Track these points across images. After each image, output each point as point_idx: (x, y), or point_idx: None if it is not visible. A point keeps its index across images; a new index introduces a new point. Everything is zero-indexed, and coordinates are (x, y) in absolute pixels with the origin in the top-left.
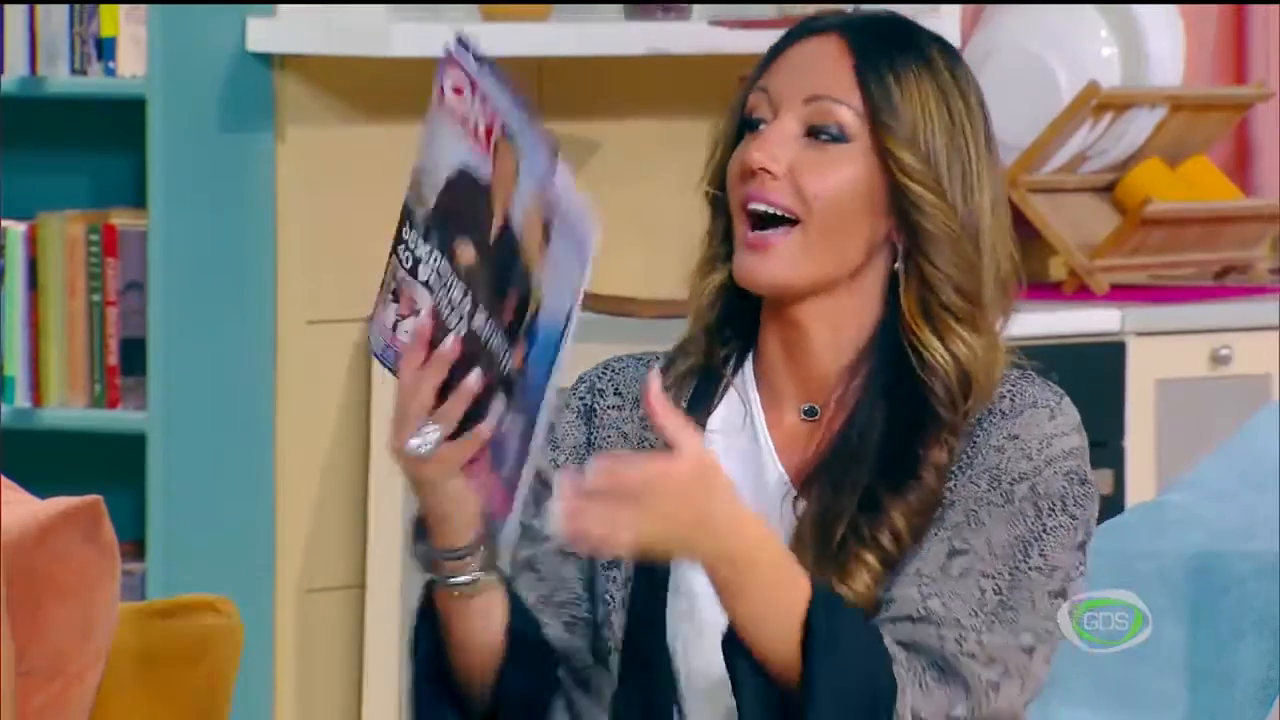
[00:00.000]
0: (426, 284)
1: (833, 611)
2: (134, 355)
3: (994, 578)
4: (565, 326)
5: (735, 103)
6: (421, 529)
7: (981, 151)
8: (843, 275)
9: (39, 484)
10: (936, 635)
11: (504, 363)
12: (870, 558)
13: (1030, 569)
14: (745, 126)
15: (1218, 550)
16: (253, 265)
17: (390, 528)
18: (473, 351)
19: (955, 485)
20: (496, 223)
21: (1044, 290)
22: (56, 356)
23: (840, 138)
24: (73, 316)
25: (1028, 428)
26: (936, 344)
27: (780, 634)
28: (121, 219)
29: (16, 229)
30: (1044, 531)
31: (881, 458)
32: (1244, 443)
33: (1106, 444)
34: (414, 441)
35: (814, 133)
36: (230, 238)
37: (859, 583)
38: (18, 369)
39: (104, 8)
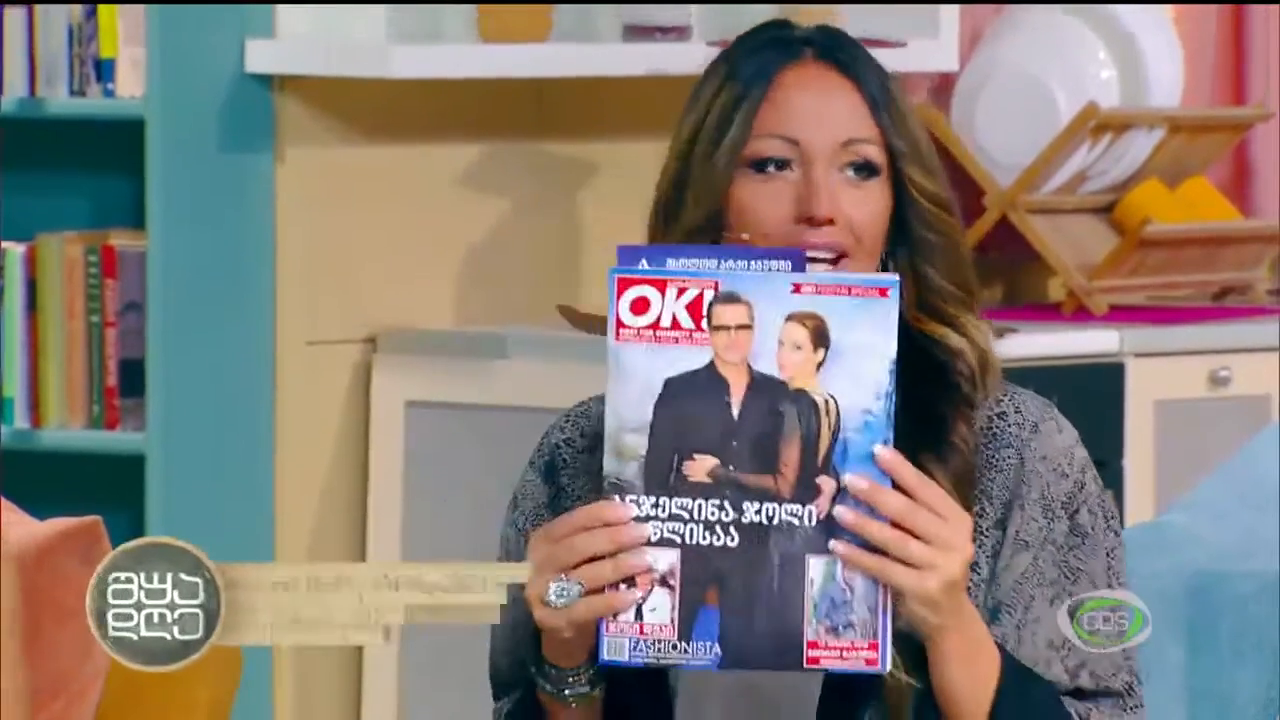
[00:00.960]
0: (663, 539)
1: (1025, 680)
2: (133, 376)
3: None
4: (887, 408)
5: (721, 144)
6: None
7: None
8: None
9: (37, 505)
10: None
11: (805, 524)
12: None
13: None
14: (751, 170)
15: (1217, 571)
16: (252, 286)
17: (388, 548)
18: (760, 547)
19: (1008, 514)
20: (739, 388)
21: (1043, 311)
22: (55, 377)
23: (874, 172)
24: (72, 337)
25: (1047, 443)
26: (948, 331)
27: (976, 696)
28: (120, 240)
29: (15, 250)
30: (1109, 555)
31: (909, 432)
32: (1244, 463)
33: (1106, 464)
34: (554, 588)
35: (846, 169)
36: (229, 258)
37: None
38: (16, 390)
39: (103, 30)
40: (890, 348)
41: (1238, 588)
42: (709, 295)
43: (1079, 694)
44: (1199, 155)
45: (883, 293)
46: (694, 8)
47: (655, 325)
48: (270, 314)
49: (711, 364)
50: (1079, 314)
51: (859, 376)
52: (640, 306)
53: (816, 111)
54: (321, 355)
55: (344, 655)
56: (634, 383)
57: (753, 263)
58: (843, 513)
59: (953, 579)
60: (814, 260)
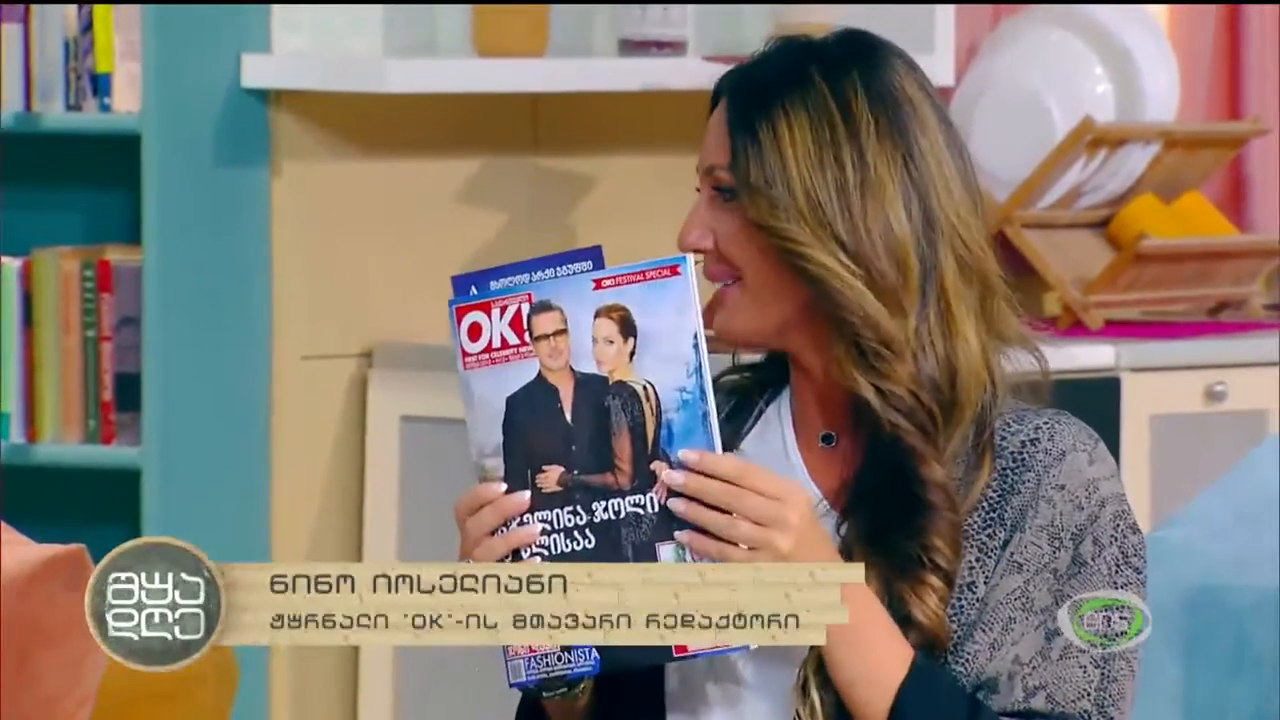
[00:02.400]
0: (533, 554)
1: (930, 680)
2: (129, 391)
3: (1089, 651)
4: (699, 383)
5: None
6: None
7: (874, 158)
8: (795, 313)
9: (33, 521)
10: None
11: (649, 511)
12: (934, 579)
13: None
14: None
15: (1214, 585)
16: (248, 300)
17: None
18: (614, 544)
19: (1013, 536)
20: (567, 392)
21: (1038, 326)
22: (51, 392)
23: (733, 195)
24: (67, 352)
25: (1071, 475)
26: (861, 382)
27: (879, 692)
28: (116, 255)
29: (12, 265)
30: (1117, 590)
31: (900, 482)
32: (1240, 478)
33: None
34: None
35: (722, 196)
36: (225, 273)
37: (930, 604)
38: (12, 405)
39: (100, 45)
40: (691, 322)
41: (1234, 602)
42: (525, 308)
43: (1030, 714)
44: (1195, 170)
45: (674, 271)
46: (690, 23)
47: (489, 348)
48: (266, 328)
49: (540, 374)
50: (1075, 329)
51: (668, 357)
52: (475, 332)
53: (704, 144)
54: (317, 370)
55: (340, 657)
56: (483, 408)
57: (559, 269)
58: (674, 504)
59: (783, 556)
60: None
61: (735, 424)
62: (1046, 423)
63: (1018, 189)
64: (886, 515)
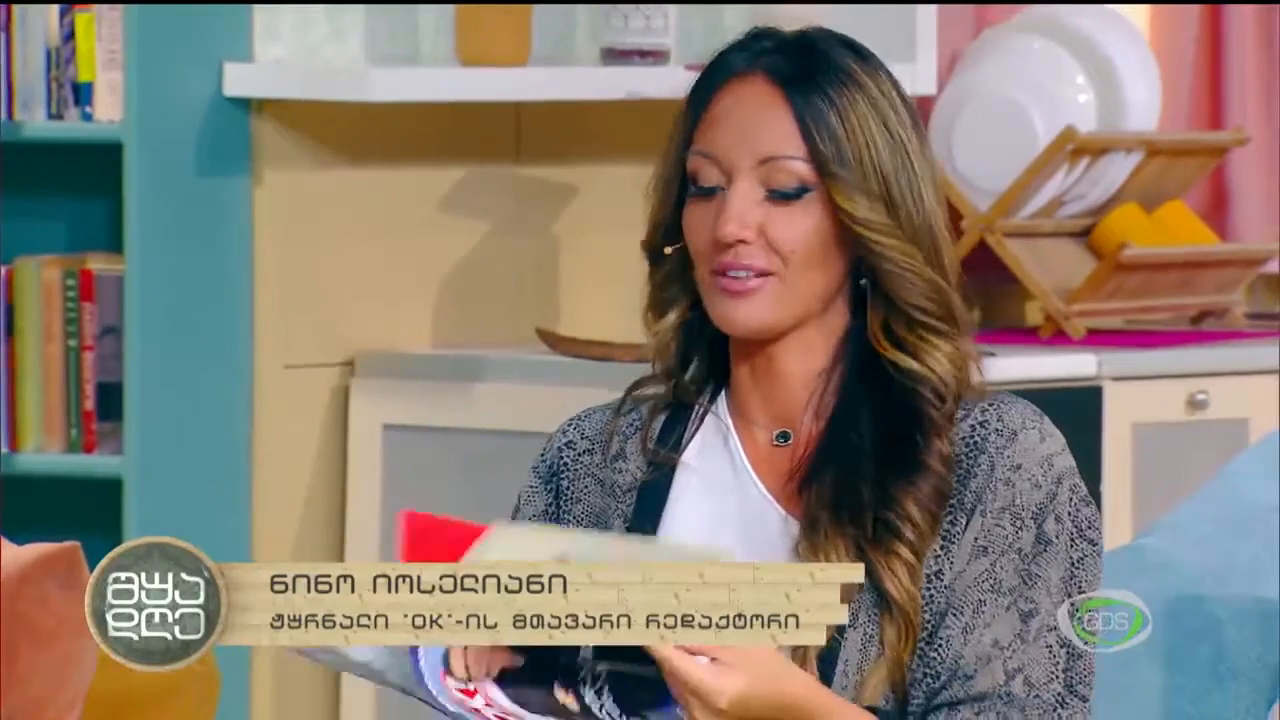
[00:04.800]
0: None
1: None
2: (111, 400)
3: (1056, 629)
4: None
5: (672, 160)
6: None
7: (917, 147)
8: (818, 309)
9: (14, 529)
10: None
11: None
12: (904, 550)
13: None
14: (691, 189)
15: (1195, 594)
16: (230, 310)
17: None
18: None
19: (973, 520)
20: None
21: (1020, 335)
22: (33, 401)
23: (802, 189)
24: (49, 361)
25: (1025, 454)
26: (910, 361)
27: None
28: (98, 264)
29: None
30: (1074, 565)
31: (880, 452)
32: (1221, 487)
33: None
34: None
35: (774, 189)
36: (207, 282)
37: (901, 577)
38: None
39: (81, 54)
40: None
41: (1216, 612)
42: None
43: (1009, 697)
44: (1176, 179)
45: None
46: (672, 32)
47: None
48: (248, 337)
49: None
50: (1056, 338)
51: None
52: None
53: (740, 129)
54: (299, 379)
55: (322, 697)
56: None
57: None
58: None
59: (729, 701)
60: (732, 279)
61: (674, 436)
62: (991, 404)
63: (999, 198)
64: (856, 480)
